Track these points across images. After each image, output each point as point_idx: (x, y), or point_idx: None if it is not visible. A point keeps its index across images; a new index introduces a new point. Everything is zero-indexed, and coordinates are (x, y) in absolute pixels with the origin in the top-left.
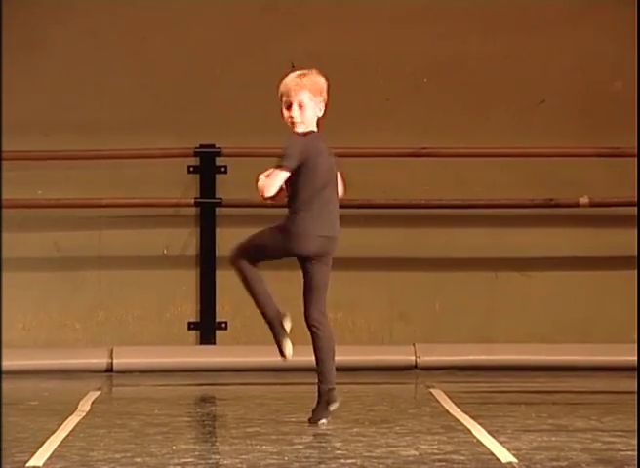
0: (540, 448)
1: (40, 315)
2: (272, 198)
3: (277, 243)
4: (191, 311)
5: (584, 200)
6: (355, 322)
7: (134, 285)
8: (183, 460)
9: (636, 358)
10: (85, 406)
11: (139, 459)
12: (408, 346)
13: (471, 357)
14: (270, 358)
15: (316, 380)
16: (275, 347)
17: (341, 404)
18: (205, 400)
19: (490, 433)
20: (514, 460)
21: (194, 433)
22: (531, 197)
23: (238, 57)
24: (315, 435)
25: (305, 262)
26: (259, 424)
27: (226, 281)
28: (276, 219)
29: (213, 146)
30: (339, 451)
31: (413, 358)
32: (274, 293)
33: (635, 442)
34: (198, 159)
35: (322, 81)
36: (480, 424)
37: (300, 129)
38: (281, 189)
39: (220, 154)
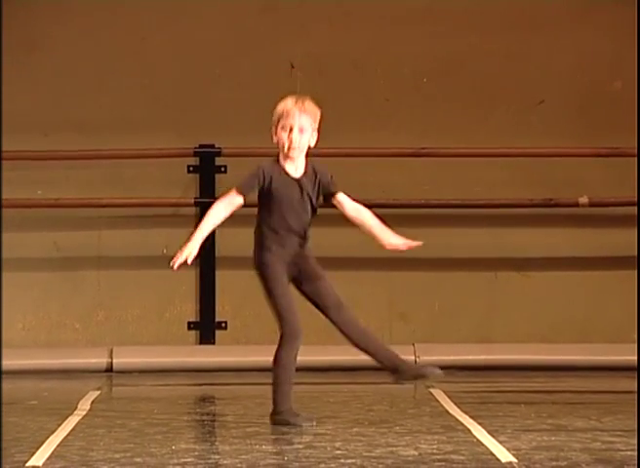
0: (540, 447)
1: (40, 315)
2: None
3: None
4: (191, 311)
5: (584, 200)
6: None
7: (133, 285)
8: (183, 460)
9: (636, 358)
10: (85, 405)
11: (138, 459)
12: (407, 346)
13: (471, 357)
14: (270, 358)
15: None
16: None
17: (341, 403)
18: (205, 400)
19: (489, 433)
20: (514, 460)
21: (194, 433)
22: (530, 197)
23: (238, 57)
24: (315, 435)
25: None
26: (258, 424)
27: (226, 281)
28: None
29: (212, 146)
30: (338, 451)
31: (412, 358)
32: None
33: (635, 441)
34: (198, 159)
35: (319, 111)
36: (480, 424)
37: (294, 154)
38: None
39: (219, 154)
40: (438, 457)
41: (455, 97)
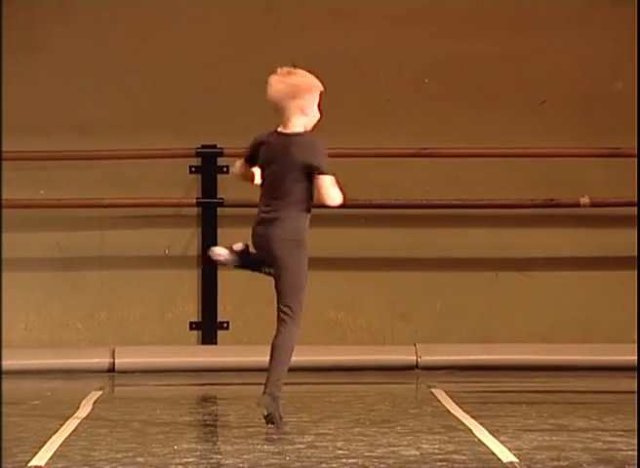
0: (541, 447)
1: (42, 315)
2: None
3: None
4: (193, 311)
5: (585, 200)
6: (356, 322)
7: (135, 285)
8: (185, 460)
9: (636, 358)
10: (87, 405)
11: (140, 459)
12: (409, 346)
13: (472, 357)
14: None
15: (316, 380)
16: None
17: (343, 403)
18: (206, 399)
19: (491, 433)
20: (515, 460)
21: (196, 433)
22: (531, 197)
23: (239, 57)
24: (317, 435)
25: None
26: (260, 424)
27: (228, 281)
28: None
29: (214, 147)
30: (340, 451)
31: (414, 358)
32: None
33: (636, 441)
34: (200, 159)
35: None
36: (481, 424)
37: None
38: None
39: (221, 154)
40: (439, 457)
41: (456, 97)
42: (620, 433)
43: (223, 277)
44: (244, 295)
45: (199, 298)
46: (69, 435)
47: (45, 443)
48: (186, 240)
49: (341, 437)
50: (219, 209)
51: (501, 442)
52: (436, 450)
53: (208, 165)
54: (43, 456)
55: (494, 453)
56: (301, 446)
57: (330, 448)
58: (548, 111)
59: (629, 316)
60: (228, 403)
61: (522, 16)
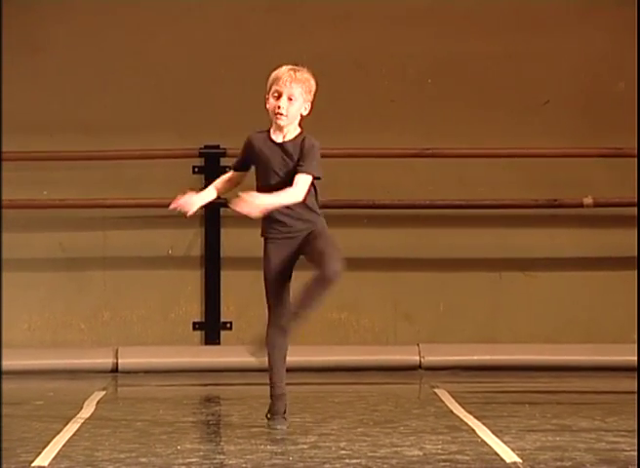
0: (545, 447)
1: (45, 315)
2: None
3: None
4: (196, 311)
5: (588, 200)
6: (359, 322)
7: (139, 285)
8: (188, 460)
9: (637, 358)
10: (90, 406)
11: (143, 459)
12: (412, 346)
13: (475, 357)
14: None
15: (319, 381)
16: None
17: (346, 404)
18: (210, 400)
19: (494, 433)
20: (518, 460)
21: (199, 433)
22: (535, 197)
23: (242, 57)
24: (320, 435)
25: None
26: (263, 424)
27: (231, 281)
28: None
29: (217, 147)
30: (343, 451)
31: (417, 358)
32: None
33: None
34: (203, 160)
35: (314, 81)
36: (484, 424)
37: (281, 122)
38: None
39: (224, 155)
40: (443, 457)
41: (459, 97)
42: (623, 433)
43: (226, 277)
44: (247, 296)
45: (202, 299)
46: (72, 435)
47: (48, 443)
48: (190, 240)
49: (345, 437)
50: (222, 209)
51: (505, 442)
52: (439, 451)
53: (211, 165)
54: (46, 457)
55: (497, 454)
56: (305, 446)
57: (333, 449)
58: (551, 111)
59: (633, 316)
60: (231, 403)
61: (525, 16)
